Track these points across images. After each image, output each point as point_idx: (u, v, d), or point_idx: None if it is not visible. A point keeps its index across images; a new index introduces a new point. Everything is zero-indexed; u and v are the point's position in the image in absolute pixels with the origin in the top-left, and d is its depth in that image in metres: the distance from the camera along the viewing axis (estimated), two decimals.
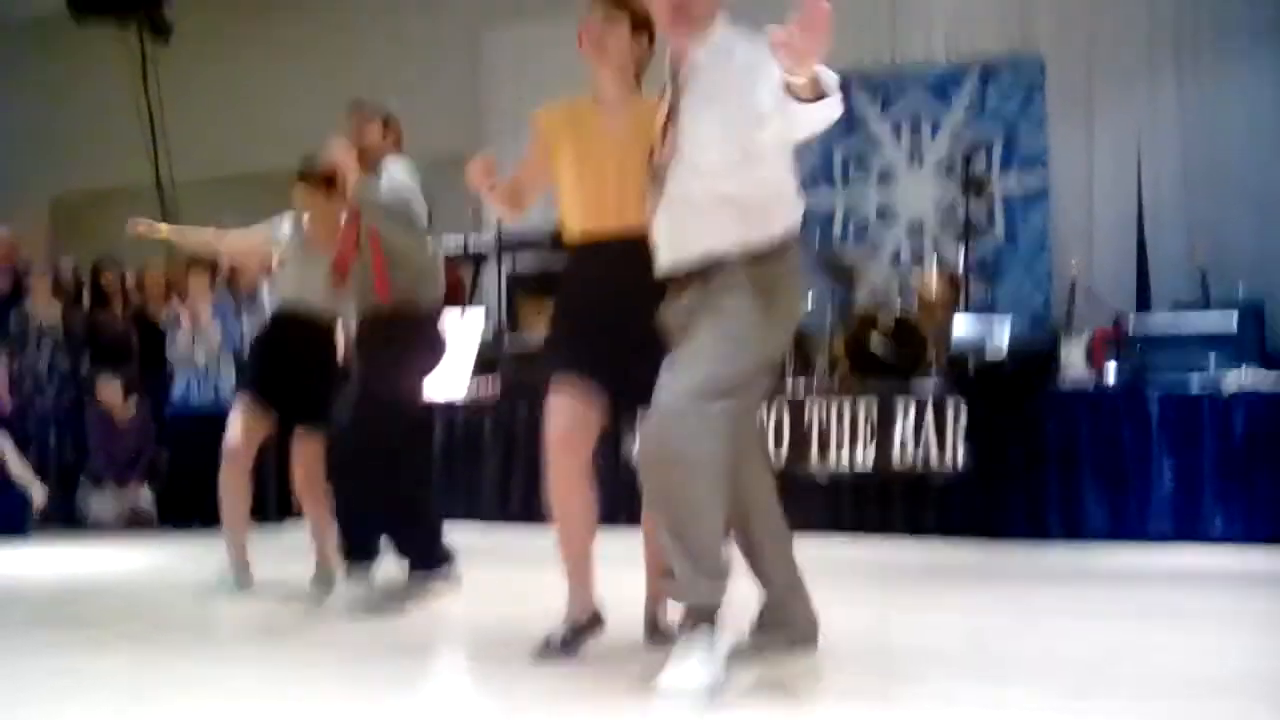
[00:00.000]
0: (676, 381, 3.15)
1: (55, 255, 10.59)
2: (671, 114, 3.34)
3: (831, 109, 2.92)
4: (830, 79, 2.88)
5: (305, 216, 5.45)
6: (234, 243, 5.96)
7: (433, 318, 5.04)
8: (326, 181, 5.25)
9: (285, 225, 5.51)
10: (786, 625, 3.44)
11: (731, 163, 3.21)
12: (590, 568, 3.82)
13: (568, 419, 3.66)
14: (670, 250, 3.37)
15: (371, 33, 12.05)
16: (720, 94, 3.22)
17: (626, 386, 3.60)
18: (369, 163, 4.91)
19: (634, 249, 3.48)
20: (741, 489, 3.32)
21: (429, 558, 5.01)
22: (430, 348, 5.04)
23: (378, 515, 4.97)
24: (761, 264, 3.23)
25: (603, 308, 3.69)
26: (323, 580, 5.41)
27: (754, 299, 3.19)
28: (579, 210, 3.77)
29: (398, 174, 4.90)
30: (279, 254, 5.49)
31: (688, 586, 3.18)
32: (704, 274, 3.26)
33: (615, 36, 3.73)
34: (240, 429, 5.37)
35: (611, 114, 3.75)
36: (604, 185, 3.70)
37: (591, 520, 3.78)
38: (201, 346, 8.19)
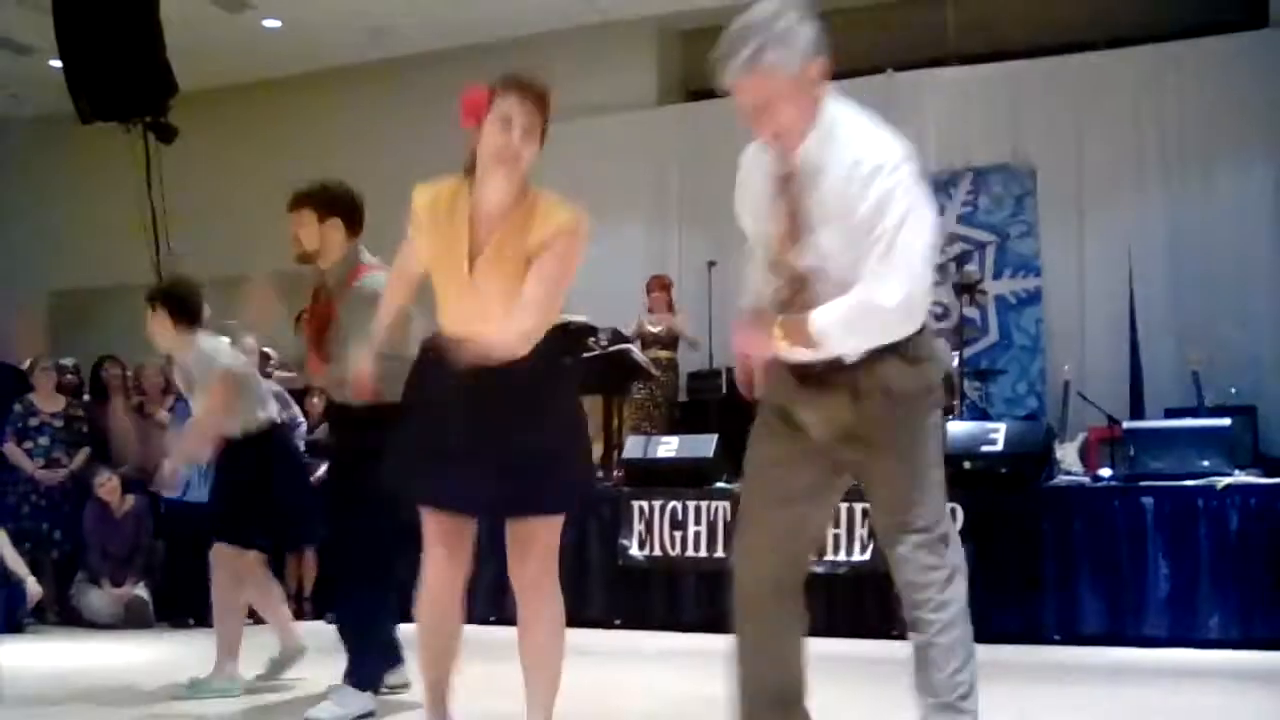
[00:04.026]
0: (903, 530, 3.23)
1: (55, 350, 10.63)
2: (794, 213, 3.13)
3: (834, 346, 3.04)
4: (817, 327, 3.01)
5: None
6: None
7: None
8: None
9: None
10: None
11: (857, 271, 3.02)
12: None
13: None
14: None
15: (368, 139, 12.20)
16: (840, 206, 3.04)
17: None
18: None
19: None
20: None
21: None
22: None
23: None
24: (896, 360, 3.13)
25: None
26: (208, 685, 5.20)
27: (908, 412, 3.17)
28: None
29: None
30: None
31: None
32: (840, 370, 3.14)
33: (531, 146, 3.43)
34: None
35: (489, 227, 3.47)
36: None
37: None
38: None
